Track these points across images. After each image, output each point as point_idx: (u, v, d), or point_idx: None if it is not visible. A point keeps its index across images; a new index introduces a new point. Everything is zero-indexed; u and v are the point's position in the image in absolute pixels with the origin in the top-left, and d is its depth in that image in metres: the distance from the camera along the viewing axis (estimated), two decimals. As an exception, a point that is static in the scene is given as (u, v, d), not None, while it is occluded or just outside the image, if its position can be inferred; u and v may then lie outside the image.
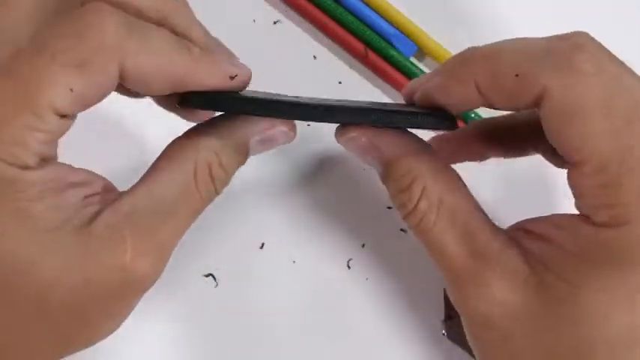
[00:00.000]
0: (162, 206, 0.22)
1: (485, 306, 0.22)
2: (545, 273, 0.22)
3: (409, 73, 0.36)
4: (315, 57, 0.37)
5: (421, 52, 0.37)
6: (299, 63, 0.36)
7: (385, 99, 0.36)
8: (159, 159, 0.24)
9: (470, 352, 0.32)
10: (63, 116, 0.21)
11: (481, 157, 0.29)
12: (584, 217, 0.21)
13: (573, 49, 0.21)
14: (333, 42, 0.37)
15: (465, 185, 0.24)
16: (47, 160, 0.21)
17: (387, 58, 0.36)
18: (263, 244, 0.33)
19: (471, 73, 0.23)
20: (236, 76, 0.23)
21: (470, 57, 0.23)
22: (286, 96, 0.25)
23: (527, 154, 0.28)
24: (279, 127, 0.25)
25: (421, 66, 0.36)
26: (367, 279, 0.33)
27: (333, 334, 0.33)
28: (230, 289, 0.33)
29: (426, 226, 0.23)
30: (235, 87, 0.23)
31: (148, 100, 0.27)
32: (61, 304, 0.21)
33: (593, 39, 0.22)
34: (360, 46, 0.36)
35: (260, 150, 0.25)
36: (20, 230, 0.20)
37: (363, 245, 0.33)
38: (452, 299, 0.24)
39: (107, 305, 0.22)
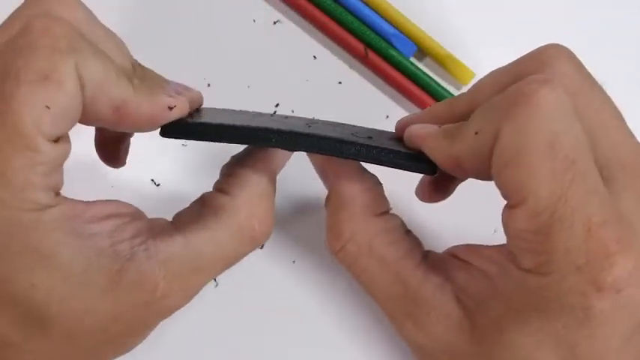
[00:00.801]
0: (199, 258, 0.23)
1: (423, 340, 0.23)
2: (477, 314, 0.22)
3: (409, 73, 0.36)
4: (315, 57, 0.37)
5: (421, 52, 0.37)
6: (299, 63, 0.36)
7: (385, 99, 0.36)
8: (201, 208, 0.24)
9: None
10: (55, 141, 0.20)
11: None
12: (512, 257, 0.21)
13: (531, 78, 0.20)
14: (333, 42, 0.37)
15: (401, 229, 0.25)
16: (59, 194, 0.21)
17: (387, 58, 0.36)
18: (263, 244, 0.33)
19: (454, 154, 0.22)
20: (174, 106, 0.23)
21: (446, 138, 0.23)
22: (244, 112, 0.26)
23: None
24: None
25: (421, 66, 0.36)
26: (367, 279, 0.33)
27: (333, 334, 0.33)
28: (230, 289, 0.33)
29: (358, 268, 0.24)
30: (176, 116, 0.23)
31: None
32: (91, 332, 0.21)
33: (563, 54, 0.21)
34: (360, 46, 0.36)
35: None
36: (50, 276, 0.20)
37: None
38: (393, 327, 0.24)
39: (133, 333, 0.23)
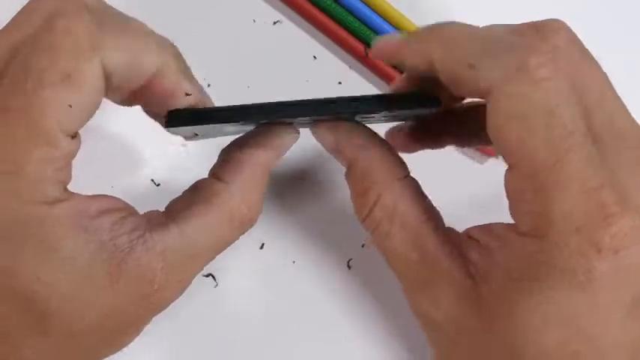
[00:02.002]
0: (193, 248, 0.23)
1: (436, 313, 0.23)
2: (483, 286, 0.22)
3: (409, 74, 0.36)
4: (315, 57, 0.37)
5: (421, 52, 0.37)
6: (299, 63, 0.36)
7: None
8: (193, 195, 0.24)
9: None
10: (72, 136, 0.21)
11: (438, 145, 0.29)
12: (514, 226, 0.21)
13: (533, 48, 0.21)
14: (333, 42, 0.37)
15: (421, 194, 0.25)
16: (67, 188, 0.21)
17: (387, 59, 0.36)
18: (263, 244, 0.33)
19: (428, 51, 0.23)
20: (191, 94, 0.23)
21: (432, 34, 0.23)
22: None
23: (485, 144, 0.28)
24: (291, 137, 0.26)
25: (421, 66, 0.36)
26: (367, 279, 0.33)
27: (333, 334, 0.33)
28: (230, 289, 0.33)
29: (381, 233, 0.24)
30: (190, 102, 0.24)
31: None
32: (90, 330, 0.22)
33: (563, 29, 0.22)
34: (360, 46, 0.36)
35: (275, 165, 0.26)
36: (55, 270, 0.20)
37: (363, 245, 0.34)
38: (408, 303, 0.24)
39: (131, 327, 0.23)
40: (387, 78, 0.36)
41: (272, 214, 0.34)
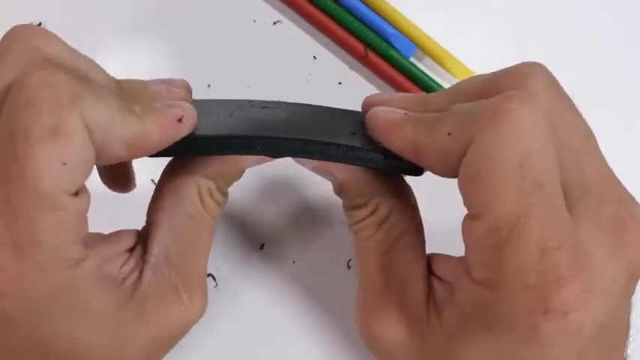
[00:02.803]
0: (188, 238, 0.24)
1: (381, 332, 0.23)
2: (434, 319, 0.22)
3: (409, 74, 0.36)
4: (315, 57, 0.37)
5: (421, 53, 0.37)
6: (299, 63, 0.36)
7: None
8: (161, 195, 0.24)
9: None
10: (75, 194, 0.20)
11: None
12: (470, 276, 0.21)
13: (510, 95, 0.20)
14: (333, 42, 0.37)
15: (414, 208, 0.25)
16: (84, 246, 0.21)
17: (387, 59, 0.36)
18: (263, 245, 0.33)
19: (412, 135, 0.22)
20: (182, 117, 0.22)
21: (415, 123, 0.22)
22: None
23: None
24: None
25: (421, 66, 0.36)
26: (367, 279, 0.33)
27: (332, 334, 0.33)
28: (230, 289, 0.33)
29: (364, 236, 0.24)
30: (185, 128, 0.22)
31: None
32: None
33: (541, 73, 0.21)
34: (360, 47, 0.36)
35: (254, 165, 0.25)
36: (88, 328, 0.21)
37: (363, 245, 0.33)
38: (357, 324, 0.25)
39: (170, 347, 0.24)
40: (386, 78, 0.36)
41: (272, 214, 0.34)
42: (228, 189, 0.25)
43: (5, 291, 0.19)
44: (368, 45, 0.36)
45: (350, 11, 0.36)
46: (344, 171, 0.24)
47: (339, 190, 0.25)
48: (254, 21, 0.37)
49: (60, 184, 0.19)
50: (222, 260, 0.33)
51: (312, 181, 0.35)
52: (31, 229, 0.19)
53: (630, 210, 0.21)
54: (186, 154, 0.23)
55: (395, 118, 0.23)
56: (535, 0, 0.38)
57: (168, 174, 0.24)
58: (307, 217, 0.34)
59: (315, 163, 0.25)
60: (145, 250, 0.23)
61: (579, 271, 0.19)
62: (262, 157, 0.24)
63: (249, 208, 0.34)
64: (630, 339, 0.22)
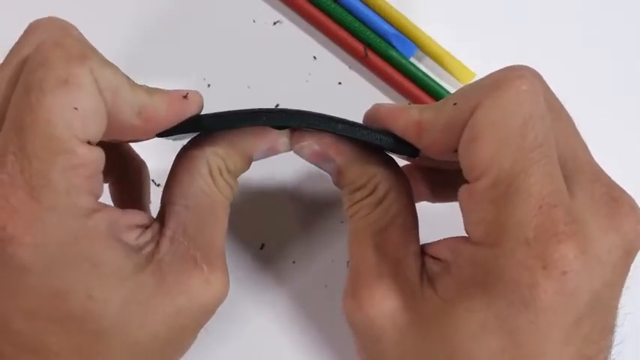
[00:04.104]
0: (203, 214, 0.23)
1: (373, 309, 0.23)
2: (429, 290, 0.22)
3: (409, 74, 0.36)
4: (315, 57, 0.37)
5: (421, 53, 0.37)
6: (299, 63, 0.36)
7: (385, 99, 0.36)
8: (175, 173, 0.24)
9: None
10: (89, 143, 0.20)
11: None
12: (467, 238, 0.21)
13: (512, 68, 0.21)
14: (333, 42, 0.37)
15: (410, 194, 0.25)
16: (100, 202, 0.21)
17: (387, 59, 0.36)
18: (263, 245, 0.33)
19: (417, 113, 0.23)
20: (187, 94, 0.23)
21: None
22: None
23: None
24: (281, 139, 0.25)
25: (421, 66, 0.36)
26: (367, 279, 0.33)
27: (332, 334, 0.33)
28: (230, 289, 0.33)
29: (358, 213, 0.24)
30: (192, 105, 0.23)
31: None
32: (151, 339, 0.21)
33: (529, 73, 0.22)
34: (360, 47, 0.36)
35: (262, 157, 0.26)
36: (104, 286, 0.20)
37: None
38: (346, 306, 0.24)
39: (193, 327, 0.23)
40: (386, 78, 0.36)
41: (272, 215, 0.34)
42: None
43: (19, 235, 0.19)
44: (368, 45, 0.36)
45: (350, 11, 0.36)
46: (343, 154, 0.25)
47: (338, 176, 0.25)
48: (254, 21, 0.37)
49: (72, 129, 0.20)
50: (222, 260, 0.33)
51: (313, 181, 0.35)
52: (45, 171, 0.19)
53: (621, 191, 0.22)
54: (195, 130, 0.24)
55: (400, 106, 0.24)
56: (536, 0, 0.38)
57: (179, 157, 0.24)
58: (307, 217, 0.34)
59: (315, 148, 0.25)
60: (162, 226, 0.23)
61: (576, 232, 0.19)
62: (270, 148, 0.25)
63: (249, 208, 0.34)
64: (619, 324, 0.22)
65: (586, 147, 0.23)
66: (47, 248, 0.19)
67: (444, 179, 0.29)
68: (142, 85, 0.22)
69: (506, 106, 0.20)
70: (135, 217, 0.22)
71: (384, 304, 0.23)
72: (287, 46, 0.37)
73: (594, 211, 0.21)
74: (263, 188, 0.34)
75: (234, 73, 0.36)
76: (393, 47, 0.36)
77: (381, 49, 0.36)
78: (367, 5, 0.36)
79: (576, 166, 0.22)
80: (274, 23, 0.37)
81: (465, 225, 0.22)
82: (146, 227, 0.23)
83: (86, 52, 0.21)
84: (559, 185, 0.20)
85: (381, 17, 0.36)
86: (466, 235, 0.22)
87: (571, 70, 0.36)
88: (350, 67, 0.37)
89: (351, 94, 0.36)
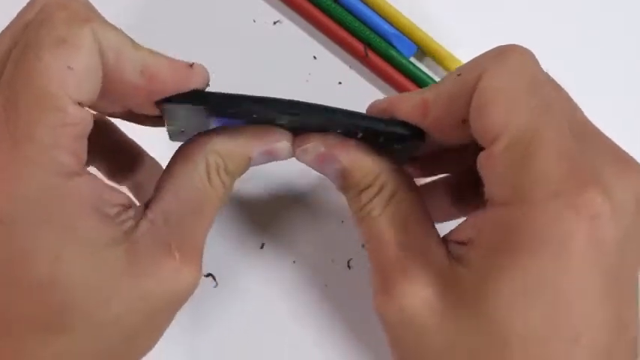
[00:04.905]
0: (189, 207, 0.23)
1: (406, 299, 0.22)
2: (458, 269, 0.22)
3: (409, 74, 0.36)
4: (315, 57, 0.37)
5: (421, 52, 0.37)
6: (299, 63, 0.36)
7: (385, 99, 0.36)
8: (172, 165, 0.24)
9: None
10: (80, 104, 0.20)
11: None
12: (490, 205, 0.21)
13: (510, 45, 0.22)
14: (333, 42, 0.37)
15: (416, 188, 0.25)
16: (84, 167, 0.21)
17: (387, 59, 0.36)
18: (263, 244, 0.33)
19: (420, 93, 0.24)
20: (193, 64, 0.23)
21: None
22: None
23: None
24: (281, 143, 0.25)
25: (421, 66, 0.36)
26: (367, 279, 0.33)
27: (332, 334, 0.33)
28: (230, 289, 0.33)
29: (371, 214, 0.24)
30: (197, 76, 0.23)
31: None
32: (115, 321, 0.21)
33: (524, 52, 0.22)
34: (360, 46, 0.36)
35: (261, 162, 0.25)
36: (74, 252, 0.20)
37: (363, 245, 0.33)
38: (379, 305, 0.24)
39: (159, 317, 0.23)
40: (386, 78, 0.36)
41: (272, 215, 0.34)
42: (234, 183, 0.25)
43: None
44: (368, 45, 0.36)
45: (350, 11, 0.36)
46: (348, 154, 0.24)
47: (342, 179, 0.25)
48: (254, 21, 0.37)
49: (65, 88, 0.20)
50: (222, 260, 0.33)
51: (313, 181, 0.35)
52: (31, 125, 0.19)
53: (625, 152, 0.22)
54: (200, 103, 0.23)
55: (400, 94, 0.25)
56: (537, 1, 0.38)
57: (179, 150, 0.24)
58: (307, 217, 0.34)
59: (321, 150, 0.25)
60: (146, 209, 0.23)
61: (598, 180, 0.20)
62: (269, 152, 0.25)
63: (249, 208, 0.34)
64: None
65: (584, 113, 0.23)
66: (21, 201, 0.19)
67: (465, 185, 0.28)
68: (146, 47, 0.22)
69: (512, 69, 0.21)
70: (119, 195, 0.22)
71: (419, 295, 0.22)
72: (287, 46, 0.37)
73: (604, 164, 0.21)
74: (263, 188, 0.34)
75: (233, 73, 0.36)
76: (393, 47, 0.36)
77: (381, 48, 0.36)
78: (367, 5, 0.36)
79: (578, 130, 0.21)
80: (274, 23, 0.37)
81: (487, 192, 0.21)
82: (129, 207, 0.23)
83: (90, 14, 0.21)
84: (572, 141, 0.20)
85: (381, 17, 0.36)
86: (484, 210, 0.22)
87: (572, 70, 0.36)
88: (350, 67, 0.37)
89: (351, 93, 0.36)
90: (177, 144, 0.25)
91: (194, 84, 0.23)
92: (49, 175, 0.19)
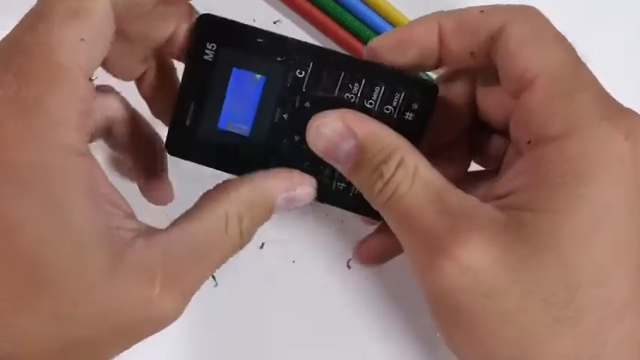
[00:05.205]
0: (194, 249, 0.22)
1: (471, 260, 0.21)
2: (517, 213, 0.21)
3: (409, 74, 0.36)
4: (315, 57, 0.37)
5: (421, 52, 0.37)
6: (299, 63, 0.36)
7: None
8: (194, 206, 0.24)
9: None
10: (90, 79, 0.20)
11: None
12: (534, 144, 0.22)
13: (532, 7, 0.24)
14: (333, 42, 0.37)
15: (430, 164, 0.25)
16: (88, 147, 0.21)
17: (387, 58, 0.36)
18: (263, 244, 0.33)
19: (436, 16, 0.25)
20: None
21: (434, 14, 0.25)
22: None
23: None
24: (304, 188, 0.25)
25: (421, 66, 0.36)
26: (367, 279, 0.33)
27: (332, 334, 0.33)
28: (230, 289, 0.33)
29: (399, 194, 0.23)
30: None
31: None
32: (77, 320, 0.20)
33: (532, 11, 0.24)
34: (360, 46, 0.36)
35: (283, 209, 0.25)
36: (60, 236, 0.19)
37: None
38: (420, 277, 0.22)
39: (121, 339, 0.22)
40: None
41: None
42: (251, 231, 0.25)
43: None
44: (368, 45, 0.36)
45: (350, 11, 0.36)
46: (364, 126, 0.24)
47: (357, 156, 0.24)
48: (254, 20, 0.37)
49: (77, 59, 0.20)
50: (222, 260, 0.33)
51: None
52: (40, 95, 0.19)
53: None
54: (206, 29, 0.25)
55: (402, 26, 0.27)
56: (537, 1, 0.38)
57: (205, 194, 0.24)
58: (307, 217, 0.34)
59: (339, 125, 0.24)
60: (154, 231, 0.22)
61: (627, 110, 0.22)
62: (292, 200, 0.25)
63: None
64: None
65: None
66: (18, 170, 0.19)
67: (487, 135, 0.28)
68: None
69: (538, 21, 0.23)
70: (119, 198, 0.22)
71: (484, 254, 0.21)
72: (287, 46, 0.37)
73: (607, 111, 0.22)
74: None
75: (234, 73, 0.36)
76: (393, 47, 0.36)
77: (381, 48, 0.36)
78: (367, 5, 0.36)
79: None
80: (274, 23, 0.37)
81: (534, 130, 0.22)
82: (129, 216, 0.22)
83: None
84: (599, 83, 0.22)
85: (381, 17, 0.36)
86: (527, 155, 0.22)
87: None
88: (350, 67, 0.37)
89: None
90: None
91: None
92: (50, 150, 0.19)
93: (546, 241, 0.20)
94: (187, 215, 0.23)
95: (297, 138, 0.25)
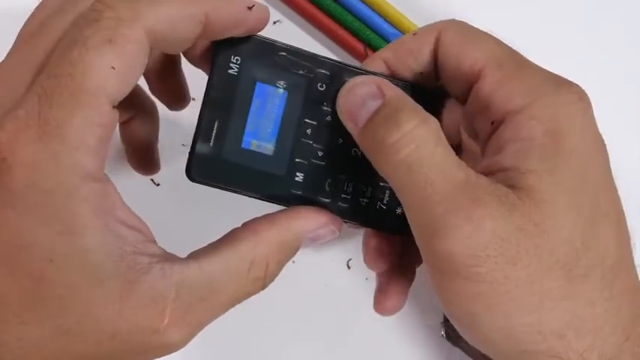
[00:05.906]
0: (210, 286, 0.22)
1: (481, 234, 0.21)
2: (520, 182, 0.21)
3: (409, 74, 0.36)
4: (315, 57, 0.37)
5: (421, 52, 0.37)
6: (299, 63, 0.36)
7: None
8: (219, 241, 0.23)
9: (469, 353, 0.32)
10: (113, 106, 0.20)
11: None
12: (499, 122, 0.23)
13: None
14: (333, 42, 0.37)
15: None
16: (104, 172, 0.21)
17: (387, 58, 0.36)
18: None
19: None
20: (253, 5, 0.23)
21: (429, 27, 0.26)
22: None
23: None
24: (329, 227, 0.25)
25: (421, 66, 0.36)
26: (367, 279, 0.33)
27: (332, 334, 0.33)
28: (230, 289, 0.33)
29: (422, 154, 0.22)
30: (255, 20, 0.24)
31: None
32: (80, 339, 0.20)
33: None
34: (360, 46, 0.36)
35: (307, 246, 0.25)
36: (68, 259, 0.20)
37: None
38: (432, 251, 0.22)
39: (125, 359, 0.22)
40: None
41: (272, 214, 0.34)
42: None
43: (15, 170, 0.19)
44: (368, 45, 0.36)
45: (350, 11, 0.36)
46: (394, 90, 0.24)
47: (380, 109, 0.23)
48: (254, 21, 0.37)
49: (104, 86, 0.20)
50: (222, 260, 0.33)
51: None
52: (62, 120, 0.19)
53: None
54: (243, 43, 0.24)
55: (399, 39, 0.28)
56: (536, 1, 0.38)
57: (233, 230, 0.24)
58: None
59: (373, 87, 0.24)
60: (173, 260, 0.22)
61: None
62: (317, 238, 0.25)
63: (249, 207, 0.34)
64: None
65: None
66: (32, 191, 0.19)
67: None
68: None
69: (467, 25, 0.25)
70: (137, 221, 0.22)
71: (505, 222, 0.21)
72: (287, 46, 0.37)
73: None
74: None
75: (234, 73, 0.36)
76: (393, 47, 0.36)
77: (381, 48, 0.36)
78: (367, 5, 0.36)
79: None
80: (274, 23, 0.37)
81: (496, 110, 0.23)
82: (149, 240, 0.22)
83: (139, 12, 0.21)
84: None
85: (381, 17, 0.36)
86: (500, 131, 0.23)
87: (574, 73, 0.36)
88: (350, 67, 0.37)
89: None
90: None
91: (250, 26, 0.24)
92: (68, 174, 0.19)
93: (553, 201, 0.21)
94: (211, 250, 0.23)
95: (320, 154, 0.25)
